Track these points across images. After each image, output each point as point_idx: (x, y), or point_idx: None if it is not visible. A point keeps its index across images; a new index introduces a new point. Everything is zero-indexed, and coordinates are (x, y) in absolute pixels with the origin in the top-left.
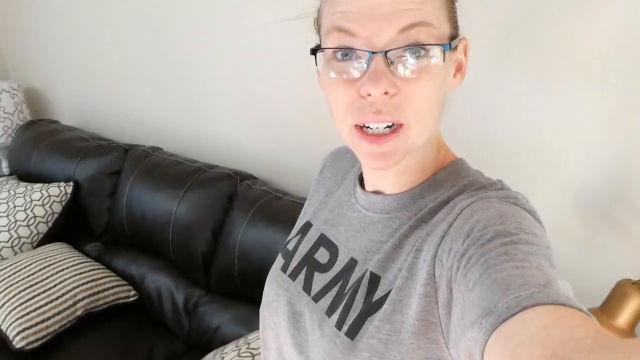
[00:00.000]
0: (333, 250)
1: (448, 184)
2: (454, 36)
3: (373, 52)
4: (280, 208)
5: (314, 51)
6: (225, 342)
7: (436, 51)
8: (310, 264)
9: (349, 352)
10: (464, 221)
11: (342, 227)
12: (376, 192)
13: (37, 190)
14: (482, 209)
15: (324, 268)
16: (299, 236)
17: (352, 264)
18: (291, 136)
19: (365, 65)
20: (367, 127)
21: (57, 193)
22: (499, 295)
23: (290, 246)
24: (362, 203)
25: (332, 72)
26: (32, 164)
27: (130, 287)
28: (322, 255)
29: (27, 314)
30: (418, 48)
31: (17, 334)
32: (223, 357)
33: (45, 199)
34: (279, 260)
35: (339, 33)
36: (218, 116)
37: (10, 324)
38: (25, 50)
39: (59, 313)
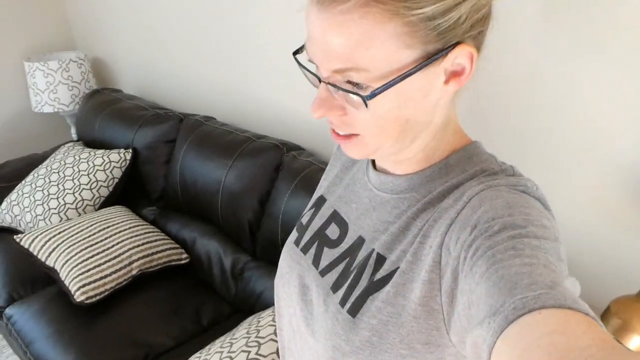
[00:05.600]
0: (343, 227)
1: (459, 168)
2: (432, 52)
3: (320, 80)
4: None
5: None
6: (267, 306)
7: (369, 90)
8: (321, 239)
9: (350, 329)
10: (472, 210)
11: (353, 204)
12: (385, 171)
13: (99, 156)
14: (490, 198)
15: (334, 244)
16: (312, 210)
17: (359, 242)
18: None
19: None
20: None
21: (117, 159)
22: (506, 293)
23: (304, 220)
24: (373, 182)
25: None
26: (96, 130)
27: (182, 250)
28: (332, 232)
29: (87, 270)
30: (349, 86)
31: (78, 289)
32: (259, 321)
33: (107, 165)
34: (294, 234)
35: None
36: (270, 87)
37: (72, 280)
38: (91, 22)
39: (116, 272)
